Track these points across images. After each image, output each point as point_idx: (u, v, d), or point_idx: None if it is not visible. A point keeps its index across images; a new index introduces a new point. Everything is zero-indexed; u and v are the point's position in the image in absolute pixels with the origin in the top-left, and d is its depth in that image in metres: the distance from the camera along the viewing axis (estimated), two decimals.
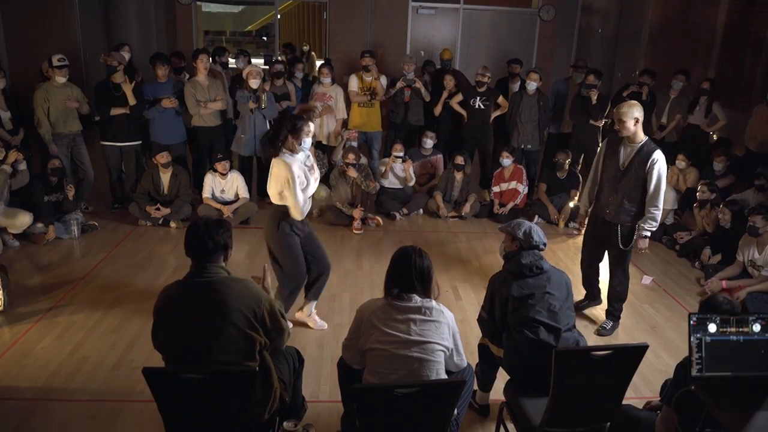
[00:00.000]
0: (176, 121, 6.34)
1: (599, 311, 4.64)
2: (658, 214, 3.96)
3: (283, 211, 3.83)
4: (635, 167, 3.94)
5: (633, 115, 3.85)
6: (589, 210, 4.38)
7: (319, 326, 4.25)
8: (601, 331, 4.34)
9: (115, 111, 5.99)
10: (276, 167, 3.75)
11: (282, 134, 3.73)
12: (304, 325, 4.25)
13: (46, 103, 5.84)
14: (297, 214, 3.81)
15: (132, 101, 5.99)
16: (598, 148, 4.40)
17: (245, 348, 2.47)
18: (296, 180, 3.71)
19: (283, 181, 3.72)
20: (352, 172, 6.23)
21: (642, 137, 3.96)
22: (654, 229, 4.03)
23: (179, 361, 2.45)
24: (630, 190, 3.98)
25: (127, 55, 6.87)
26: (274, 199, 3.83)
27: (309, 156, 3.93)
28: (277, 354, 2.80)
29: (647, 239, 4.07)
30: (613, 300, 4.34)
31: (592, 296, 4.67)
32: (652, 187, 3.90)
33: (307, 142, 3.85)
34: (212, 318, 2.42)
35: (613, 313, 4.37)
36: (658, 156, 3.89)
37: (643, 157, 3.91)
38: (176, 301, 2.48)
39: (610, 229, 4.14)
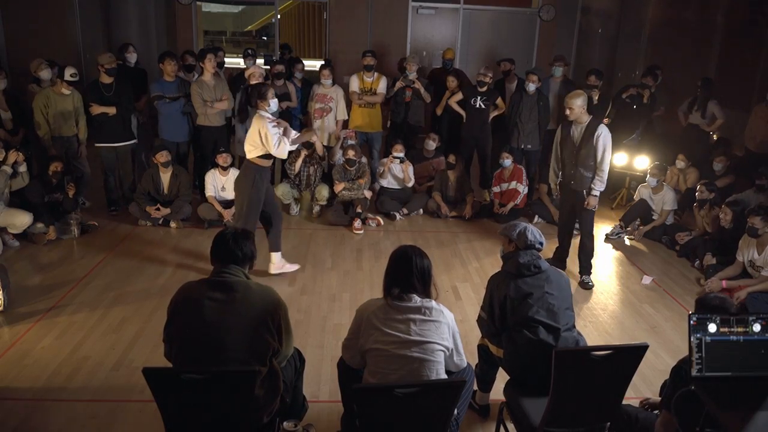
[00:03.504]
0: (183, 120, 6.36)
1: (599, 311, 4.66)
2: (605, 176, 4.84)
3: (257, 169, 4.52)
4: (586, 142, 4.81)
5: (577, 104, 4.76)
6: (558, 184, 5.24)
7: (292, 268, 5.03)
8: (586, 284, 5.07)
9: (101, 109, 5.92)
10: (255, 122, 4.46)
11: (252, 102, 4.53)
12: (281, 275, 4.95)
13: (47, 108, 5.84)
14: (282, 153, 4.52)
15: (112, 111, 5.96)
16: (556, 133, 5.16)
17: (259, 351, 2.48)
18: (271, 126, 4.43)
19: (261, 127, 4.41)
20: (339, 188, 6.36)
21: (586, 118, 4.82)
22: (602, 189, 4.89)
23: (188, 354, 2.46)
24: (585, 160, 4.85)
25: (133, 56, 6.85)
26: (250, 154, 4.51)
27: (279, 122, 4.62)
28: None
29: (596, 198, 4.91)
30: (588, 257, 5.11)
31: (561, 260, 5.34)
32: (599, 155, 4.78)
33: (274, 103, 4.57)
34: (227, 316, 2.44)
35: (588, 269, 5.13)
36: (602, 130, 4.77)
37: (590, 132, 4.79)
38: (193, 294, 2.51)
39: (576, 196, 5.01)
